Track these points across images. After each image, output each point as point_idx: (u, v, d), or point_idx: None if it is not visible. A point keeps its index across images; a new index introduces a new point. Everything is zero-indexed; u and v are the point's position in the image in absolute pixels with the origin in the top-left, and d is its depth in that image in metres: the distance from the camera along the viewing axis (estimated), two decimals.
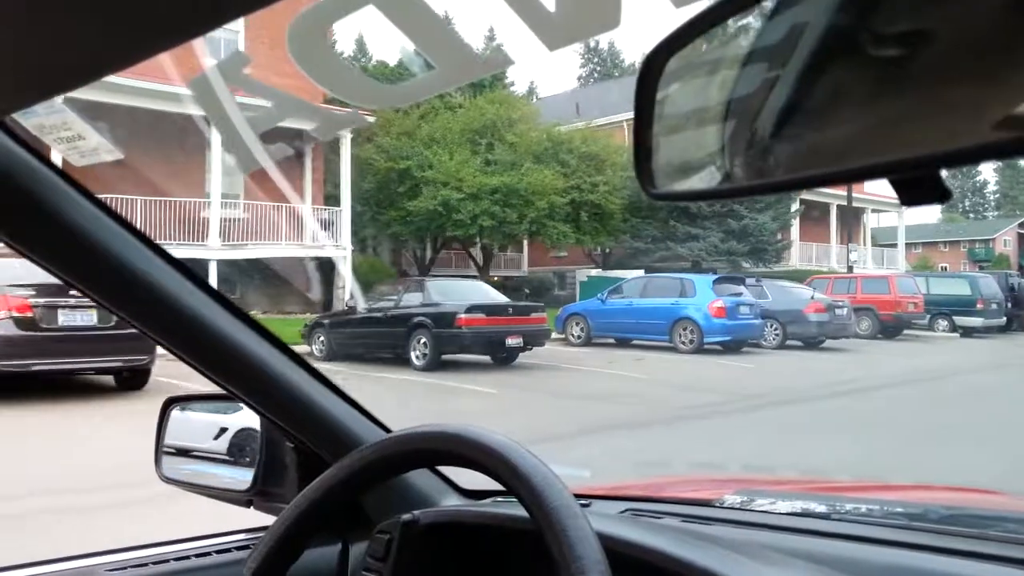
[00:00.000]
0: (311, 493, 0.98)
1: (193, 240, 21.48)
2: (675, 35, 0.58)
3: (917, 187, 0.46)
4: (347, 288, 23.09)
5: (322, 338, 14.91)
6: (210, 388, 1.30)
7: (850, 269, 25.01)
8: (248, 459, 1.38)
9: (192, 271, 1.09)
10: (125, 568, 1.21)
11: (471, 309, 12.91)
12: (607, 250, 32.10)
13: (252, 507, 1.39)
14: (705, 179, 0.59)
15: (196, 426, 1.48)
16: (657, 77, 0.59)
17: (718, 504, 1.34)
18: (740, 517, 1.27)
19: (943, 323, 23.69)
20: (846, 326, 18.81)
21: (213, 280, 21.55)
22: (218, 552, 1.29)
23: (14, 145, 0.88)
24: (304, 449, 1.29)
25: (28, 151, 0.90)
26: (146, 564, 1.22)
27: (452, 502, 1.33)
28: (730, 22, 0.56)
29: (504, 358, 13.66)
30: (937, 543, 1.08)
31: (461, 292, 13.87)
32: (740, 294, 17.23)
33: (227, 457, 1.42)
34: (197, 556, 1.27)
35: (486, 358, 13.63)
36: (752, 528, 1.20)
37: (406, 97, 0.90)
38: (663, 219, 29.91)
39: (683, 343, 16.75)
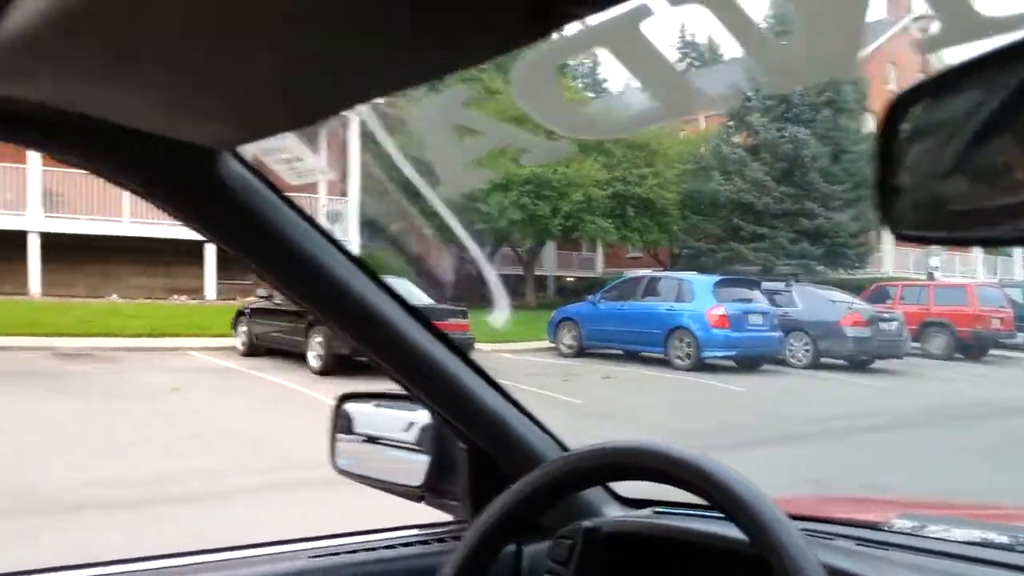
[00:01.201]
0: (506, 505, 0.98)
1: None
2: (925, 82, 0.62)
3: None
4: None
5: (244, 328, 12.79)
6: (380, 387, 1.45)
7: (930, 277, 21.06)
8: (419, 456, 1.39)
9: (381, 279, 1.15)
10: (324, 555, 1.26)
11: None
12: (677, 251, 28.93)
13: (423, 503, 1.42)
14: (953, 222, 0.61)
15: (369, 422, 1.49)
16: (901, 119, 0.62)
17: (887, 528, 1.27)
18: (914, 543, 1.19)
19: None
20: (896, 344, 15.22)
21: (211, 261, 19.97)
22: (403, 545, 1.33)
23: (242, 168, 0.99)
24: (477, 451, 1.33)
25: (253, 173, 1.00)
26: (339, 553, 1.27)
27: (614, 510, 1.34)
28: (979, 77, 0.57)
29: None
30: None
31: None
32: (750, 300, 14.01)
33: (398, 452, 1.43)
34: (384, 548, 1.32)
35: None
36: (929, 555, 1.12)
37: (626, 129, 0.90)
38: (726, 217, 26.53)
39: (679, 357, 13.73)
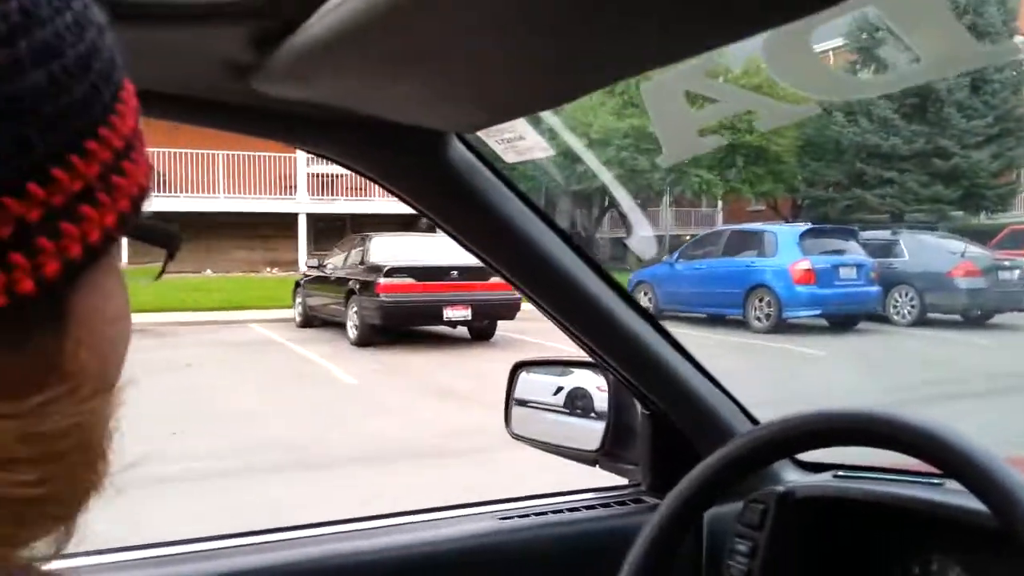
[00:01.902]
0: (706, 472, 0.97)
1: (282, 194, 20.07)
2: None
3: None
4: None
5: (299, 300, 12.55)
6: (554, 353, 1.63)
7: None
8: (593, 421, 1.41)
9: (582, 248, 1.17)
10: (512, 517, 1.29)
11: (392, 272, 9.83)
12: (799, 202, 26.97)
13: (598, 466, 1.42)
14: None
15: (542, 388, 1.51)
16: None
17: None
18: None
19: None
20: (1019, 295, 13.29)
21: (303, 233, 20.09)
22: (585, 507, 1.35)
23: (466, 151, 1.04)
24: (658, 416, 1.32)
25: (474, 154, 1.05)
26: (527, 515, 1.30)
27: (792, 475, 1.29)
28: None
29: (482, 329, 10.53)
30: None
31: (411, 250, 10.74)
32: (842, 252, 12.49)
33: (571, 418, 1.45)
34: (568, 510, 1.33)
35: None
36: None
37: (884, 88, 0.82)
38: (849, 161, 24.33)
39: (757, 319, 12.43)
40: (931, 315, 13.19)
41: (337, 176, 20.19)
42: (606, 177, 22.39)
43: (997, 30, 23.21)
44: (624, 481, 1.44)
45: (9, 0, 0.30)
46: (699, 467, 0.98)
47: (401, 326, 10.10)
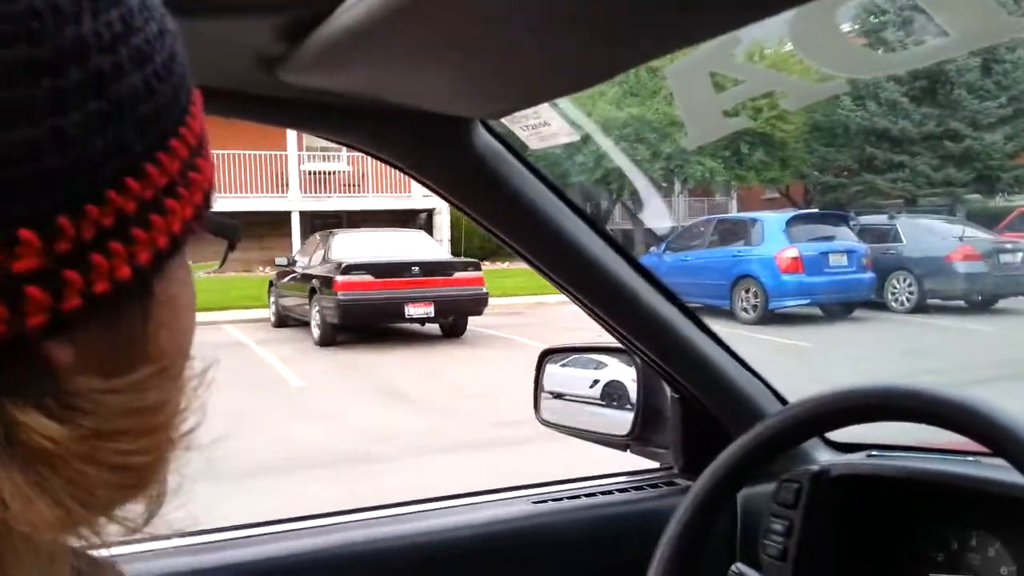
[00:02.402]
0: (740, 451, 0.96)
1: (275, 192, 19.73)
2: None
3: None
4: (444, 241, 20.24)
5: (272, 299, 12.20)
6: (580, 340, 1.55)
7: None
8: (620, 407, 1.41)
9: (608, 233, 1.16)
10: (546, 501, 1.29)
11: (349, 269, 9.40)
12: (809, 189, 26.27)
13: (628, 451, 1.42)
14: None
15: (572, 375, 1.51)
16: None
17: None
18: None
19: None
20: (1022, 279, 12.63)
21: (296, 231, 19.78)
22: (618, 490, 1.34)
23: (490, 138, 1.03)
24: (688, 400, 1.32)
25: (498, 140, 1.04)
26: (561, 499, 1.30)
27: (825, 455, 1.26)
28: None
29: (451, 326, 10.09)
30: None
31: (374, 246, 10.32)
32: (831, 238, 11.90)
33: (601, 403, 1.45)
34: (601, 493, 1.33)
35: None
36: None
37: (911, 63, 0.81)
38: (859, 146, 23.59)
39: (744, 310, 11.90)
40: (931, 301, 12.58)
41: (330, 173, 19.85)
42: (621, 161, 21.89)
43: (1008, 7, 22.33)
44: (655, 464, 1.43)
45: (111, 11, 0.32)
46: (731, 448, 0.97)
47: (361, 325, 9.70)
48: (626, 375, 1.41)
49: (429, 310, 9.48)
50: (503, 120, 1.00)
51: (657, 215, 20.99)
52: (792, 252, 11.42)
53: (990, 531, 1.01)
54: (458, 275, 9.74)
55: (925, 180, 22.84)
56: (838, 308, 12.07)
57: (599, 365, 1.49)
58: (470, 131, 1.01)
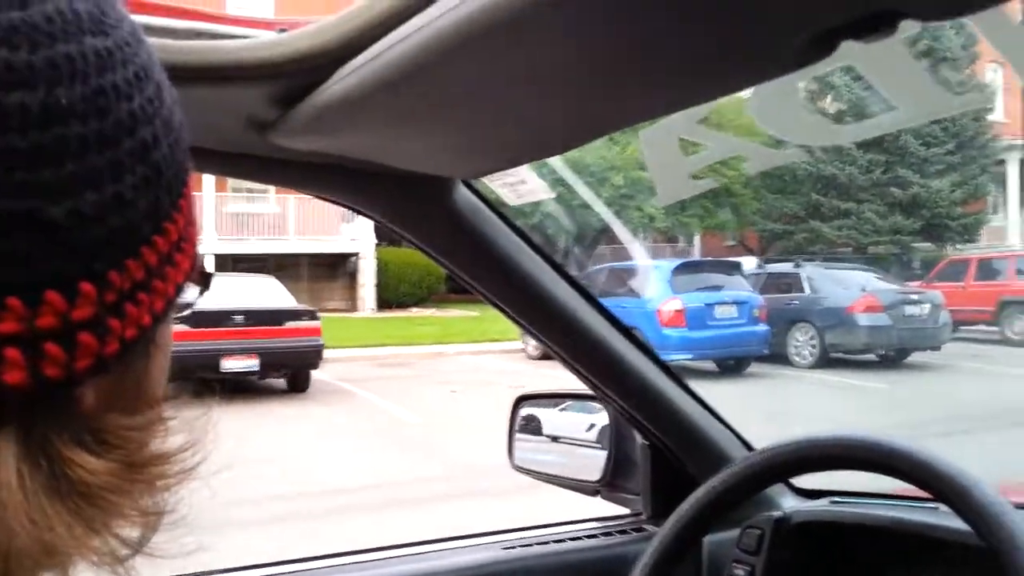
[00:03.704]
0: (704, 498, 0.98)
1: None
2: None
3: None
4: (367, 286, 19.43)
5: None
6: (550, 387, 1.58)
7: None
8: (595, 452, 1.40)
9: (576, 280, 1.19)
10: (515, 547, 1.28)
11: None
12: (743, 237, 25.55)
13: (599, 496, 1.43)
14: None
15: (546, 422, 1.51)
16: None
17: None
18: None
19: None
20: (928, 332, 11.73)
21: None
22: (587, 536, 1.35)
23: (471, 195, 1.06)
24: (659, 447, 1.33)
25: (478, 197, 1.07)
26: (530, 544, 1.30)
27: (790, 501, 1.29)
28: None
29: (294, 381, 9.17)
30: None
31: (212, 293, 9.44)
32: (719, 287, 11.06)
33: (574, 450, 1.45)
34: (570, 539, 1.33)
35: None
36: None
37: (859, 135, 0.88)
38: (806, 193, 22.86)
39: None
40: (836, 355, 11.70)
41: (255, 215, 19.10)
42: (605, 214, 21.22)
43: (955, 55, 21.79)
44: (626, 511, 1.43)
45: (148, 87, 0.36)
46: (694, 495, 0.99)
47: (174, 379, 8.80)
48: (593, 416, 1.42)
49: (252, 363, 8.58)
50: (483, 178, 1.03)
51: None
52: (675, 304, 10.57)
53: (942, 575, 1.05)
54: (290, 325, 8.87)
55: (872, 228, 22.07)
56: (732, 363, 11.20)
57: (575, 407, 1.50)
58: (451, 189, 1.03)
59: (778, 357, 11.85)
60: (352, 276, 19.68)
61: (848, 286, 11.92)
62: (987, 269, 15.13)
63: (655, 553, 0.97)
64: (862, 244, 22.33)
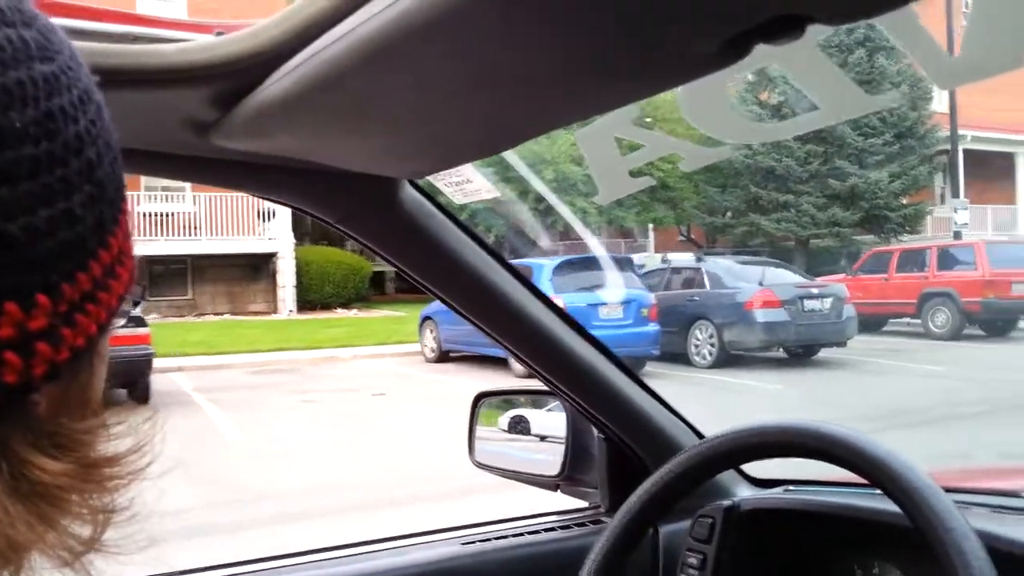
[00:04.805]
0: (653, 488, 0.99)
1: None
2: None
3: None
4: (286, 288, 18.59)
5: None
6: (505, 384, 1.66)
7: (956, 237, 16.21)
8: (554, 447, 1.40)
9: (523, 276, 1.19)
10: (475, 542, 1.28)
11: None
12: (686, 230, 24.91)
13: (559, 491, 1.42)
14: None
15: (505, 418, 1.51)
16: None
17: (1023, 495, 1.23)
18: None
19: None
20: (830, 327, 11.03)
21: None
22: (545, 530, 1.34)
23: (417, 195, 1.05)
24: (615, 440, 1.33)
25: (426, 197, 1.06)
26: (488, 539, 1.30)
27: (745, 490, 1.32)
28: None
29: (129, 391, 8.35)
30: None
31: None
32: (603, 286, 10.32)
33: (532, 445, 1.45)
34: (528, 533, 1.33)
35: None
36: None
37: (785, 132, 0.94)
38: (744, 186, 22.17)
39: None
40: (737, 353, 10.99)
41: (171, 215, 18.20)
42: (563, 210, 20.51)
43: (892, 44, 21.03)
44: (584, 504, 1.43)
45: (90, 108, 0.37)
46: (644, 485, 0.99)
47: None
48: (552, 412, 1.41)
49: None
50: (429, 178, 1.03)
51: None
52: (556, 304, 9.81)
53: (890, 560, 1.06)
54: (121, 332, 8.07)
55: (810, 220, 21.39)
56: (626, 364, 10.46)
57: (534, 403, 1.49)
58: (397, 189, 1.02)
59: (680, 357, 11.16)
60: (274, 277, 18.84)
61: (748, 280, 11.21)
62: (910, 261, 14.48)
63: (606, 544, 0.97)
64: (801, 237, 21.66)
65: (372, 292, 20.31)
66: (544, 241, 20.52)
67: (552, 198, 19.90)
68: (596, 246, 20.21)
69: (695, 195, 22.53)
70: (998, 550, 0.83)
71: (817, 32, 0.57)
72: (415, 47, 0.57)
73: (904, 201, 21.97)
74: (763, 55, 0.59)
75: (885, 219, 21.61)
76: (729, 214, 23.05)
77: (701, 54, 0.58)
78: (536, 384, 1.34)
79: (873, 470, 0.83)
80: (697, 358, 11.15)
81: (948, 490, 1.17)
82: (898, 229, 21.90)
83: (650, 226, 24.39)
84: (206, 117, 0.76)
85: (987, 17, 0.66)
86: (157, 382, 9.20)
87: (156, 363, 9.64)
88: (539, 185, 19.25)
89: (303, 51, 0.63)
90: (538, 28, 0.56)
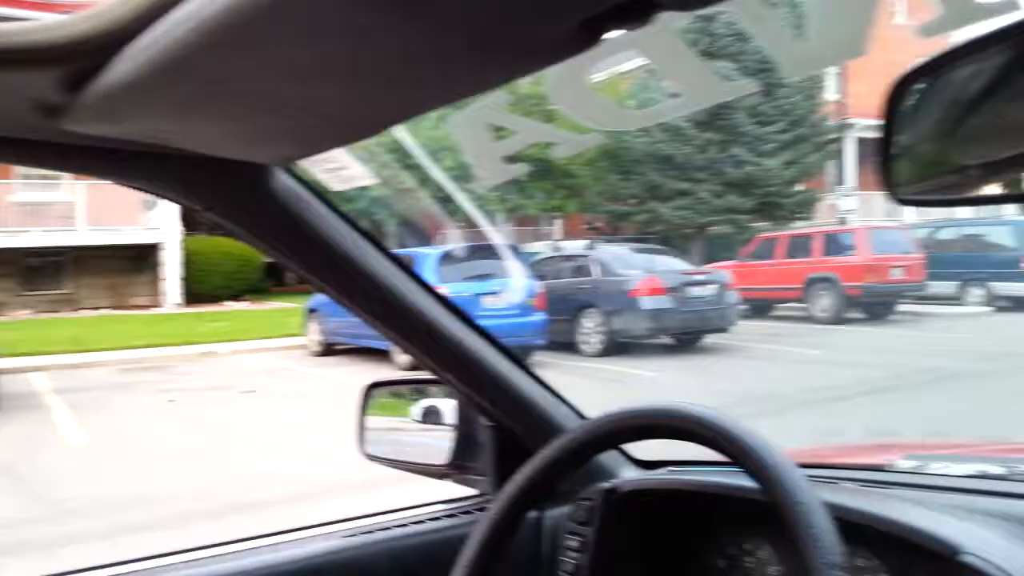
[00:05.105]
0: (530, 473, 0.98)
1: None
2: (924, 63, 0.66)
3: None
4: (170, 280, 17.77)
5: None
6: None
7: (842, 222, 16.56)
8: (443, 436, 1.39)
9: (406, 265, 1.17)
10: (356, 534, 1.27)
11: None
12: (611, 217, 24.84)
13: (449, 480, 1.42)
14: (951, 187, 0.66)
15: (393, 408, 1.50)
16: (903, 97, 0.67)
17: (890, 468, 1.28)
18: (915, 480, 1.21)
19: (978, 292, 14.89)
20: (713, 313, 11.06)
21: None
22: (431, 519, 1.33)
23: (291, 181, 1.03)
24: (501, 427, 1.33)
25: (301, 184, 1.05)
26: (373, 531, 1.28)
27: (630, 472, 1.33)
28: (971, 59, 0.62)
29: None
30: None
31: None
32: (488, 276, 10.07)
33: (422, 435, 1.44)
34: (414, 523, 1.32)
35: None
36: (930, 491, 1.13)
37: (651, 119, 0.97)
38: (645, 174, 22.23)
39: (401, 352, 10.00)
40: (627, 341, 10.89)
41: (43, 205, 17.12)
42: (461, 197, 20.02)
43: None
44: (474, 492, 1.42)
45: None
46: (522, 470, 0.99)
47: None
48: (441, 401, 1.40)
49: None
50: (305, 164, 1.00)
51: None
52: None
53: (761, 535, 1.10)
54: None
55: (708, 207, 21.59)
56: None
57: (425, 392, 1.47)
58: (268, 175, 1.00)
59: (570, 346, 11.02)
60: (158, 269, 17.96)
61: (636, 268, 11.12)
62: (796, 246, 14.70)
63: (485, 529, 0.96)
64: (700, 224, 21.88)
65: (272, 283, 19.63)
66: (445, 230, 20.21)
67: (450, 186, 19.64)
68: (495, 235, 20.03)
69: (596, 183, 22.49)
70: (849, 522, 0.88)
71: (675, 18, 0.59)
72: (260, 30, 0.56)
73: (798, 188, 22.39)
74: (629, 42, 0.60)
75: (779, 206, 21.97)
76: (634, 201, 23.07)
77: (554, 39, 0.58)
78: (427, 374, 1.33)
79: (732, 448, 0.85)
80: (585, 347, 11.01)
81: (820, 466, 1.21)
82: (791, 216, 22.30)
83: (557, 214, 24.29)
84: (55, 100, 0.72)
85: (826, 7, 0.69)
86: (7, 384, 8.54)
87: (12, 363, 9.02)
88: (437, 173, 18.91)
89: (148, 32, 0.61)
90: (382, 16, 0.55)
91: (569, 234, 26.00)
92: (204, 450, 6.36)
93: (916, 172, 0.67)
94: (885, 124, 0.67)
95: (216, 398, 8.60)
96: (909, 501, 1.04)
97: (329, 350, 11.66)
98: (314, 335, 11.88)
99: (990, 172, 0.62)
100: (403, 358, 10.02)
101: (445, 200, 19.58)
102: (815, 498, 0.78)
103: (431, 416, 1.42)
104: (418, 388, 1.48)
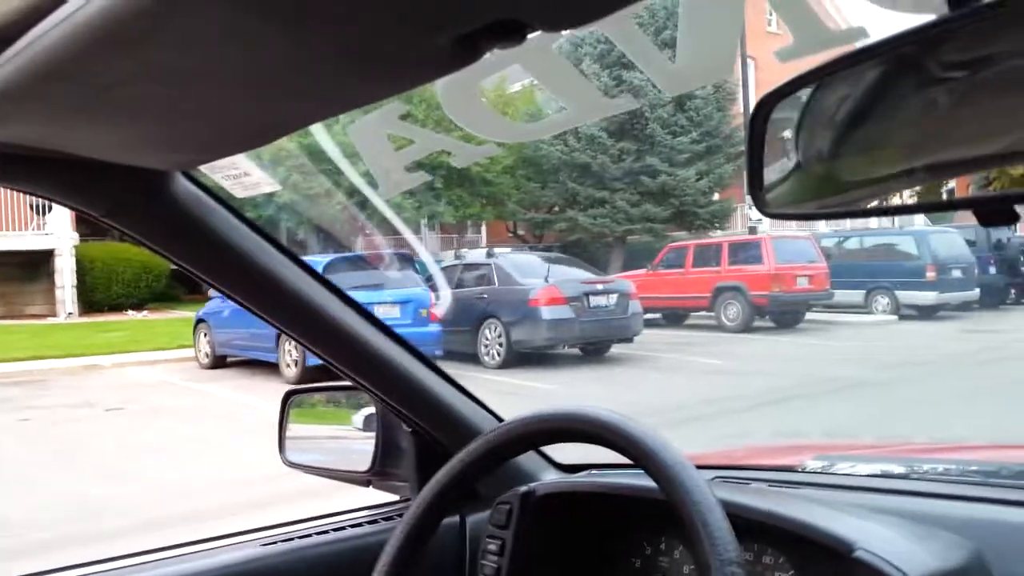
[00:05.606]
0: (445, 477, 0.98)
1: None
2: (790, 82, 0.66)
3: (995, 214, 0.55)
4: (67, 287, 16.76)
5: None
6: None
7: (751, 232, 16.55)
8: (365, 443, 1.37)
9: (319, 274, 1.15)
10: (276, 542, 1.23)
11: None
12: (515, 226, 24.59)
13: (371, 487, 1.41)
14: (815, 200, 0.67)
15: (315, 415, 1.48)
16: (769, 114, 0.67)
17: (800, 469, 1.31)
18: (823, 480, 1.24)
19: (884, 301, 14.99)
20: (616, 323, 10.76)
21: None
22: (352, 526, 1.32)
23: (192, 187, 1.00)
24: (421, 432, 1.32)
25: (201, 188, 1.01)
26: (292, 538, 1.25)
27: (552, 476, 1.33)
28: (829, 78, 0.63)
29: None
30: (1012, 497, 1.06)
31: None
32: (379, 286, 9.59)
33: (344, 442, 1.43)
34: (335, 530, 1.30)
35: None
36: (837, 490, 1.17)
37: (539, 132, 0.93)
38: (563, 182, 22.01)
39: (288, 365, 9.50)
40: (528, 352, 10.51)
41: None
42: (378, 203, 19.33)
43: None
44: (396, 497, 1.41)
45: None
46: (437, 475, 0.98)
47: None
48: (363, 407, 1.38)
49: None
50: (206, 170, 0.98)
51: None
52: None
53: (674, 536, 1.11)
54: None
55: (625, 216, 21.49)
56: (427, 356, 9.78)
57: (346, 399, 1.47)
58: (167, 182, 0.97)
59: (472, 357, 10.60)
60: (52, 277, 16.90)
61: (537, 277, 10.77)
62: (705, 255, 14.57)
63: (401, 534, 0.96)
64: (618, 232, 21.75)
65: (184, 291, 18.71)
66: (361, 236, 19.62)
67: (367, 191, 19.06)
68: (415, 241, 19.53)
69: (515, 191, 22.19)
70: (755, 521, 0.95)
71: (554, 36, 0.59)
72: (139, 34, 0.55)
73: (714, 198, 22.46)
74: (512, 56, 0.61)
75: (695, 215, 22.01)
76: (556, 208, 22.83)
77: (430, 56, 0.59)
78: (346, 381, 1.29)
79: (634, 450, 0.85)
80: (487, 358, 10.60)
81: (733, 467, 1.27)
82: (707, 225, 22.35)
83: (482, 222, 23.90)
84: None
85: (694, 28, 0.71)
86: None
87: None
88: (355, 178, 18.33)
89: (25, 35, 0.59)
90: (260, 25, 0.54)
91: (494, 241, 25.63)
92: (36, 475, 5.73)
93: (787, 189, 0.67)
94: (751, 143, 0.66)
95: (77, 416, 7.90)
96: (815, 500, 1.05)
97: (219, 362, 11.01)
98: (204, 347, 11.20)
99: (859, 186, 0.63)
100: (291, 371, 9.50)
101: (362, 205, 19.08)
102: (711, 497, 0.79)
103: (352, 423, 1.41)
104: (337, 396, 1.48)
